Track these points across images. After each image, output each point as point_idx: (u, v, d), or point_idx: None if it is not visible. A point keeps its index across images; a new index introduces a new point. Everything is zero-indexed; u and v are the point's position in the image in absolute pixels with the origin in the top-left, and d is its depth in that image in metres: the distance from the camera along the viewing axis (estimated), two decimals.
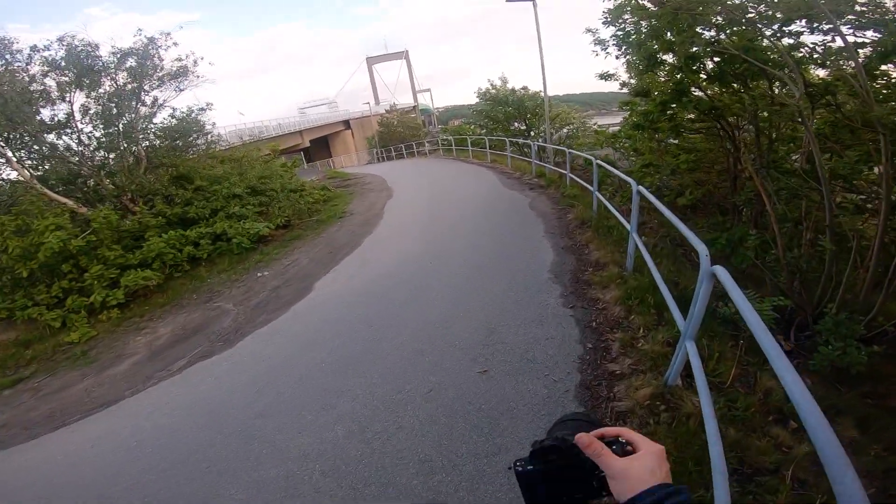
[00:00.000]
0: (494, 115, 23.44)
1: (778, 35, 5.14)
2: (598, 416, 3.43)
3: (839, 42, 4.76)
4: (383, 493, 2.97)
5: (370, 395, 4.06)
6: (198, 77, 12.40)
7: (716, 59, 6.06)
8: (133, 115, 11.27)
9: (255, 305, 7.02)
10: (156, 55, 11.58)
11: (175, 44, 11.90)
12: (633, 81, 8.62)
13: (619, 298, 4.73)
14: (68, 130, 10.80)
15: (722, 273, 2.15)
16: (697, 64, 6.23)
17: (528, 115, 22.84)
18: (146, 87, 11.55)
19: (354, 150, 55.03)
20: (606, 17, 6.79)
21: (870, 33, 4.76)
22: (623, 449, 0.74)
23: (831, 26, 4.77)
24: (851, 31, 4.84)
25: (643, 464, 0.70)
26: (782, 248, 5.12)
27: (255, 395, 4.52)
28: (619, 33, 7.03)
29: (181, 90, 12.32)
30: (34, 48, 10.14)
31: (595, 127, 21.99)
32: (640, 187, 4.84)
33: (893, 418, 3.71)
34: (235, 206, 11.31)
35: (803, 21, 4.94)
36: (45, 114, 10.46)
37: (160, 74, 11.81)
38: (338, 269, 7.88)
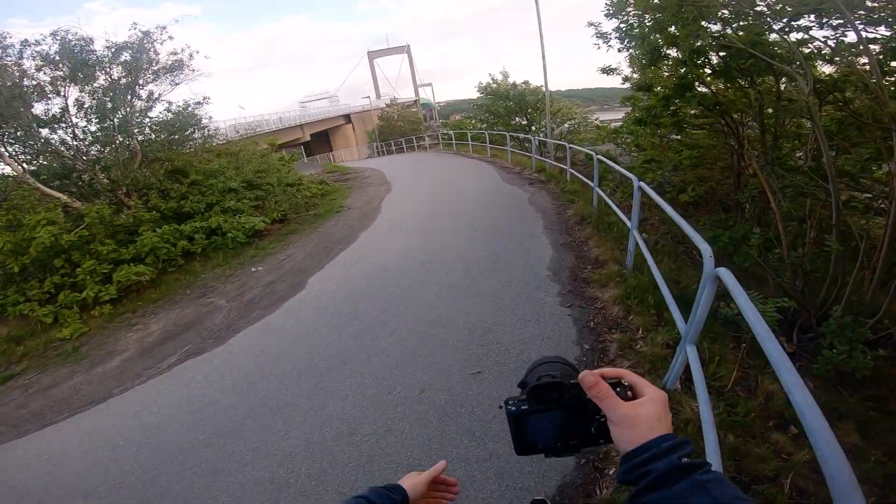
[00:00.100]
0: (495, 110, 23.28)
1: (786, 30, 4.98)
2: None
3: (849, 38, 4.61)
4: None
5: (360, 395, 3.97)
6: (193, 71, 12.26)
7: (721, 53, 5.92)
8: (128, 110, 11.13)
9: (249, 301, 6.91)
10: (151, 49, 11.44)
11: (170, 37, 11.77)
12: (635, 76, 8.48)
13: (618, 297, 4.61)
14: (63, 125, 10.69)
15: (727, 276, 2.03)
16: (702, 58, 6.09)
17: (530, 110, 22.68)
18: (140, 82, 11.40)
19: (355, 144, 54.91)
20: (609, 10, 6.63)
21: (881, 29, 4.61)
22: (625, 393, 0.68)
23: (841, 21, 4.63)
24: (862, 26, 4.69)
25: (650, 411, 0.65)
26: (786, 246, 4.99)
27: (243, 394, 4.45)
28: (623, 26, 6.88)
29: (176, 84, 12.18)
30: (25, 42, 10.01)
31: (597, 122, 21.83)
32: (642, 183, 4.71)
33: (895, 422, 3.61)
34: (231, 200, 11.18)
35: (812, 16, 4.79)
36: (39, 108, 10.36)
37: (155, 68, 11.67)
38: (333, 264, 7.76)
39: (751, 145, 6.73)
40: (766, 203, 6.30)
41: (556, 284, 5.26)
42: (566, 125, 23.81)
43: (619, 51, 7.44)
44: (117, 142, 10.92)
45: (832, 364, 4.12)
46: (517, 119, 23.40)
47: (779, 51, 5.26)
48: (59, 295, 8.05)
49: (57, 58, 10.21)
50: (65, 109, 10.57)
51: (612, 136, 13.32)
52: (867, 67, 5.09)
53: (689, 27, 5.29)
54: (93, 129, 10.99)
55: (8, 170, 9.76)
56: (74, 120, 10.77)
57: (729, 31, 5.50)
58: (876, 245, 4.74)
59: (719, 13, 5.25)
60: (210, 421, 4.15)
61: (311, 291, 6.75)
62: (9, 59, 9.86)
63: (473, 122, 27.56)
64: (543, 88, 16.12)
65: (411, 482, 0.98)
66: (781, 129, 6.54)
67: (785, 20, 4.92)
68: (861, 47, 4.56)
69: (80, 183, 10.74)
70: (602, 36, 7.26)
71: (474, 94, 25.71)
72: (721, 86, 6.77)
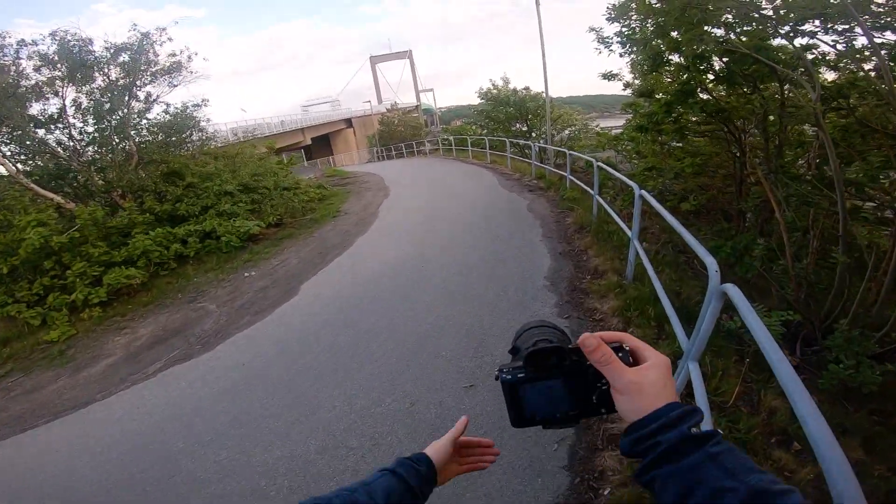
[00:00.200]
0: (495, 116, 23.18)
1: (791, 34, 4.88)
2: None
3: (858, 43, 4.51)
4: None
5: (348, 406, 3.84)
6: (192, 73, 12.16)
7: (724, 58, 5.81)
8: (125, 111, 11.02)
9: (240, 307, 6.77)
10: (150, 50, 11.36)
11: (170, 39, 11.68)
12: (637, 82, 8.37)
13: (617, 309, 4.48)
14: (60, 125, 10.58)
15: (734, 292, 1.89)
16: (705, 63, 5.98)
17: (530, 116, 22.58)
18: (138, 83, 11.29)
19: (356, 149, 54.96)
20: (611, 14, 6.52)
21: (887, 34, 4.50)
22: (627, 358, 0.63)
23: (847, 26, 4.52)
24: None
25: (656, 377, 0.60)
26: (791, 257, 4.85)
27: (228, 403, 4.33)
28: (625, 30, 6.77)
29: (174, 86, 12.07)
30: (22, 42, 9.92)
31: (597, 129, 21.75)
32: (643, 191, 4.59)
33: None
34: (226, 203, 11.02)
35: (817, 21, 4.69)
36: (36, 108, 10.27)
37: (154, 70, 11.57)
38: (327, 270, 7.63)
39: (753, 153, 6.61)
40: (768, 212, 6.16)
41: (554, 295, 5.14)
42: (566, 132, 23.70)
43: (621, 56, 7.33)
44: (114, 143, 10.81)
45: (838, 379, 3.99)
46: (517, 125, 23.29)
47: (783, 56, 5.15)
48: (48, 297, 7.92)
49: (55, 58, 10.13)
50: (62, 110, 10.46)
51: (613, 143, 13.21)
52: (871, 74, 4.99)
53: (692, 31, 5.18)
54: (90, 130, 10.87)
55: (1, 169, 9.63)
56: (72, 120, 10.68)
57: (732, 35, 5.39)
58: (882, 255, 4.60)
59: (723, 17, 5.14)
60: (192, 429, 4.05)
61: (303, 298, 6.61)
62: (5, 59, 9.78)
63: (474, 127, 27.48)
64: (544, 95, 16.02)
65: (434, 448, 0.92)
66: (783, 136, 6.43)
67: (789, 25, 4.81)
68: (867, 53, 4.45)
69: (75, 184, 10.62)
70: (603, 41, 7.14)
71: (475, 100, 25.67)
72: (723, 92, 6.67)
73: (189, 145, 12.60)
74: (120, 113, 10.91)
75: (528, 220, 8.28)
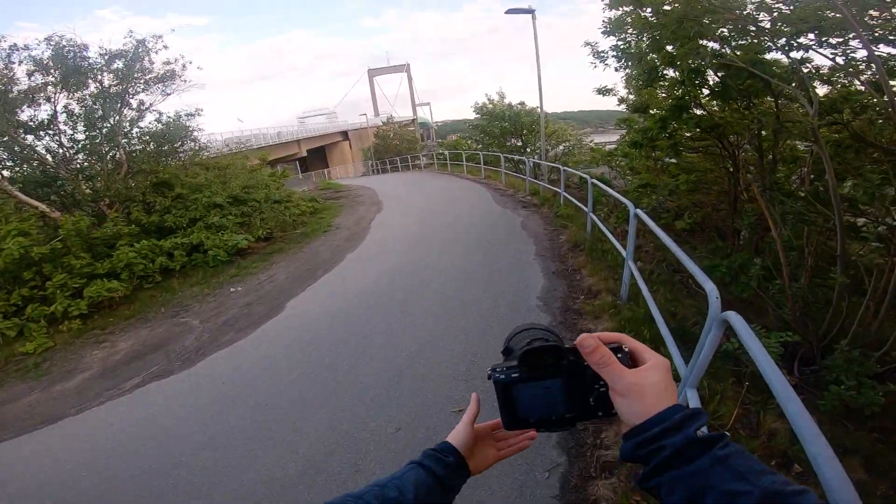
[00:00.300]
0: (490, 130, 23.23)
1: (787, 48, 4.84)
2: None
3: (857, 56, 4.47)
4: None
5: (331, 430, 3.66)
6: (185, 81, 12.03)
7: (720, 73, 5.78)
8: (117, 119, 10.87)
9: (223, 323, 6.56)
10: (146, 58, 11.22)
11: (165, 46, 11.52)
12: (631, 98, 8.35)
13: (612, 331, 4.33)
14: (50, 132, 10.39)
15: (737, 321, 1.77)
16: (700, 78, 5.95)
17: (525, 131, 22.64)
18: (131, 90, 11.16)
19: (351, 162, 54.89)
20: (606, 27, 6.49)
21: (882, 47, 4.48)
22: (626, 360, 0.61)
23: (841, 40, 4.50)
24: (861, 45, 4.57)
25: (657, 379, 0.58)
26: (788, 277, 4.75)
27: (205, 423, 4.15)
28: (620, 44, 6.75)
29: (168, 94, 11.93)
30: (14, 47, 9.76)
31: (591, 145, 21.82)
32: (639, 211, 4.49)
33: None
34: (215, 216, 10.80)
35: (811, 35, 4.66)
36: (27, 114, 10.07)
37: (147, 77, 11.44)
38: (315, 286, 7.44)
39: (745, 169, 6.57)
40: (763, 230, 6.09)
41: (547, 315, 5.02)
42: (561, 147, 23.77)
43: (616, 70, 7.32)
44: (103, 151, 10.63)
45: (839, 400, 3.88)
46: (512, 140, 23.35)
47: (778, 70, 5.12)
48: (26, 308, 7.68)
49: (49, 63, 9.97)
50: (53, 116, 10.28)
51: (607, 159, 13.21)
52: (862, 88, 4.96)
53: (687, 45, 5.14)
54: (80, 137, 10.69)
55: None
56: (62, 127, 10.48)
57: (728, 49, 5.36)
58: (881, 274, 4.52)
59: (718, 32, 5.11)
60: (165, 449, 3.88)
61: (288, 315, 6.42)
62: None
63: (469, 142, 27.53)
64: (539, 110, 16.04)
65: (456, 436, 0.87)
66: (777, 152, 6.39)
67: (786, 38, 4.78)
68: (863, 66, 4.41)
69: (61, 192, 10.39)
70: (599, 55, 7.12)
71: (471, 115, 25.76)
72: (717, 108, 6.64)
73: (181, 155, 12.43)
74: (111, 120, 10.74)
75: (522, 238, 8.16)
